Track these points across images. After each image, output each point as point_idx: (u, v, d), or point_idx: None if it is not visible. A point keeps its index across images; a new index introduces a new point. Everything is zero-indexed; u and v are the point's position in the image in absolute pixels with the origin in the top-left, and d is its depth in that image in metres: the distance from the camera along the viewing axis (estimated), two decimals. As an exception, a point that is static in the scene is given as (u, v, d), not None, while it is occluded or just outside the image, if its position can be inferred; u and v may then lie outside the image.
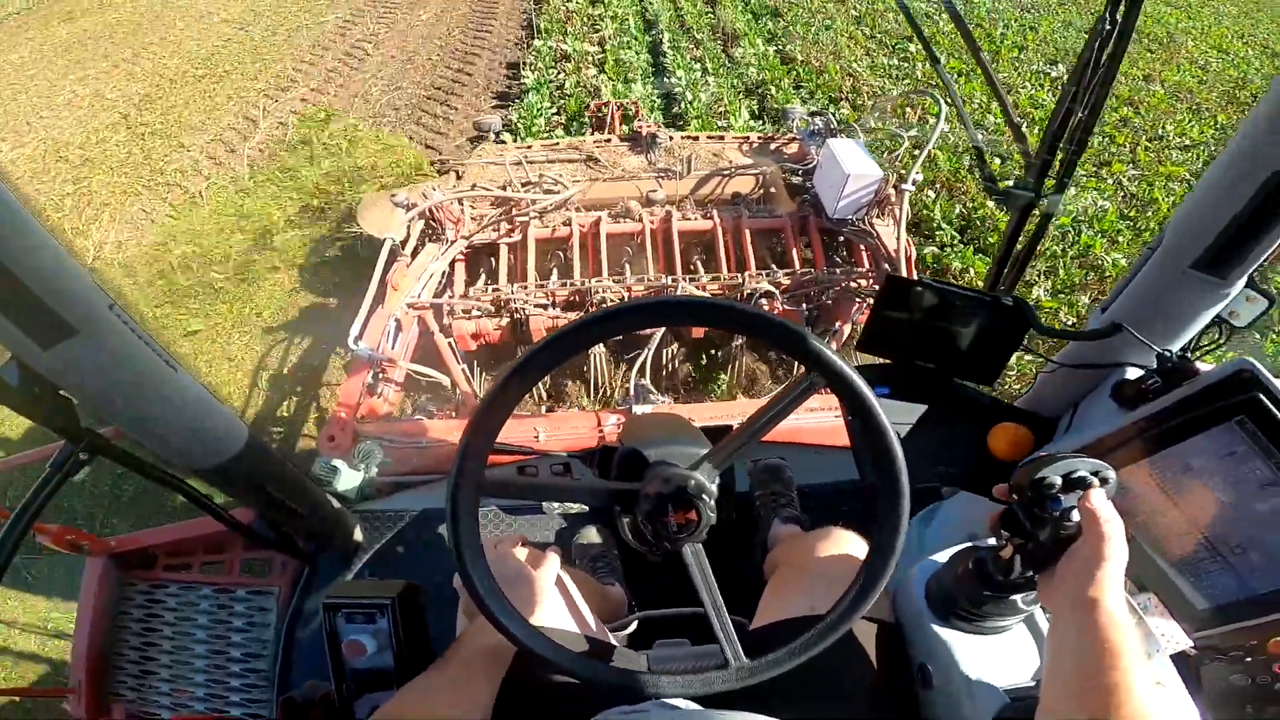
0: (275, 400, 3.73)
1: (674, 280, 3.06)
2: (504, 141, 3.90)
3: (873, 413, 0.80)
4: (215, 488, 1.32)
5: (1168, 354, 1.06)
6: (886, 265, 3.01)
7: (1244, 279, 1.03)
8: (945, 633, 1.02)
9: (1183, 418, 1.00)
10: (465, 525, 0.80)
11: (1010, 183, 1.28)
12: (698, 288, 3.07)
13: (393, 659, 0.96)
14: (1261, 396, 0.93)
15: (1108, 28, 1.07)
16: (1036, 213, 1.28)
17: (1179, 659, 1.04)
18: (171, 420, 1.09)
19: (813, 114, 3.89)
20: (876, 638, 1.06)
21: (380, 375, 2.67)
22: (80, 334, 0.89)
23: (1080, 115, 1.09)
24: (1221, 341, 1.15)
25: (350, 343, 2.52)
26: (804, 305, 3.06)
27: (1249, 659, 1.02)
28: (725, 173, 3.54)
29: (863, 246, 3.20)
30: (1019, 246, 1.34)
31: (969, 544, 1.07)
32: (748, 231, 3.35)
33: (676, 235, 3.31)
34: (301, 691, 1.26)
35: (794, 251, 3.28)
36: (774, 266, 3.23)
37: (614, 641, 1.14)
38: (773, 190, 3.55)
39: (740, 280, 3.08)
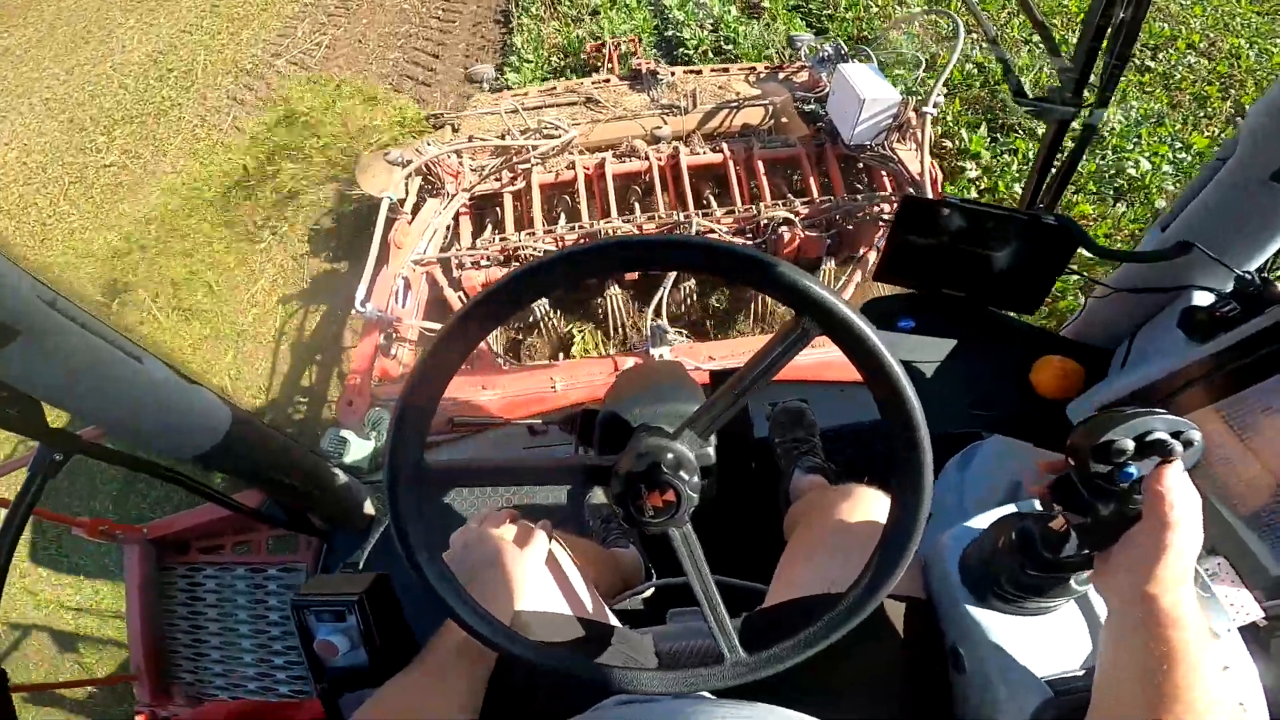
0: (296, 370, 3.69)
1: (686, 216, 2.89)
2: (499, 90, 3.70)
3: (873, 350, 0.62)
4: (211, 472, 1.25)
5: (1247, 275, 0.90)
6: (911, 190, 2.81)
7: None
8: (980, 613, 0.88)
9: (1267, 349, 0.85)
10: (406, 513, 0.68)
11: (1045, 95, 1.10)
12: (712, 222, 2.90)
13: (367, 656, 0.88)
14: (1365, 318, 0.78)
15: None
16: (1075, 126, 1.10)
17: (1247, 630, 0.89)
18: (143, 411, 1.01)
19: (821, 40, 3.62)
20: (905, 616, 0.92)
21: (393, 335, 2.58)
22: (22, 335, 0.81)
23: (1122, 15, 0.91)
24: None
25: (357, 305, 2.43)
26: (824, 232, 2.89)
27: None
28: (733, 104, 3.33)
29: (884, 172, 3.00)
30: (1058, 162, 1.17)
31: (1010, 510, 0.92)
32: (760, 162, 3.15)
33: (686, 171, 3.13)
34: None
35: (811, 180, 3.08)
36: (790, 196, 3.05)
37: (614, 621, 1.04)
38: (784, 120, 3.33)
39: (755, 211, 2.90)
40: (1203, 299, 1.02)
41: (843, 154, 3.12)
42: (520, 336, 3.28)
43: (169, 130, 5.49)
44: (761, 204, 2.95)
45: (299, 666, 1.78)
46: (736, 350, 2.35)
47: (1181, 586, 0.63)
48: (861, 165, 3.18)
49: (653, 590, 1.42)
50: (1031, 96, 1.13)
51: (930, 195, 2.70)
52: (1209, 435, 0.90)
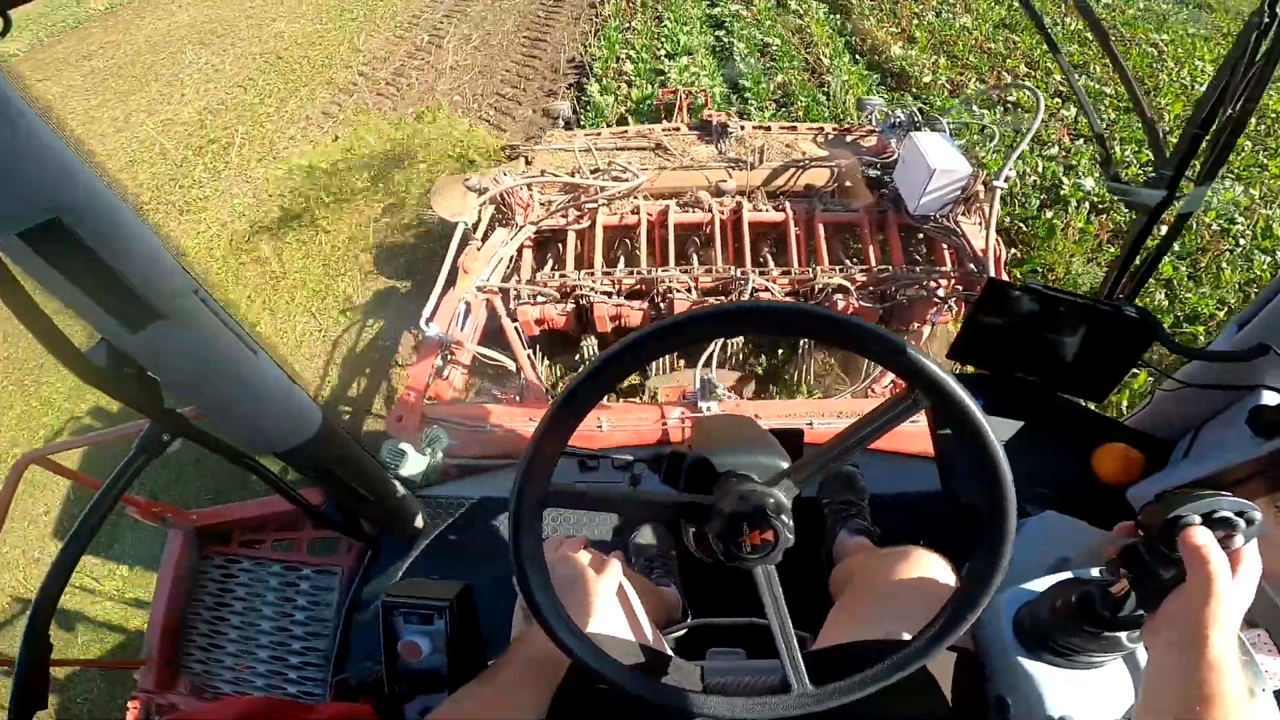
0: (347, 379, 3.83)
1: (742, 273, 2.97)
2: (572, 128, 3.87)
3: (984, 437, 0.72)
4: (288, 468, 1.33)
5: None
6: (973, 266, 2.84)
7: None
8: (1032, 665, 0.95)
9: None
10: (526, 534, 0.75)
11: (1139, 181, 1.15)
12: (768, 281, 2.97)
13: (446, 661, 0.93)
14: None
15: (1266, 19, 0.95)
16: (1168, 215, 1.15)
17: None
18: (251, 402, 1.09)
19: (893, 105, 3.72)
20: (954, 667, 0.98)
21: (449, 357, 2.68)
22: (167, 318, 0.89)
23: (1230, 112, 0.96)
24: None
25: (422, 323, 2.54)
26: (879, 304, 2.93)
27: None
28: (799, 164, 3.42)
29: (946, 245, 3.04)
30: (1145, 251, 1.21)
31: (1069, 575, 0.99)
32: (821, 225, 3.23)
33: (747, 226, 3.22)
34: (356, 674, 1.26)
35: (870, 248, 3.14)
36: (848, 262, 3.11)
37: (670, 651, 1.09)
38: (849, 184, 3.41)
39: (812, 275, 2.96)
40: (1273, 398, 1.05)
41: (905, 223, 3.18)
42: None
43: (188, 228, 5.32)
44: (819, 267, 3.02)
45: (314, 669, 1.81)
46: (782, 412, 2.38)
47: (1224, 635, 0.69)
48: (922, 236, 3.23)
49: (687, 630, 1.46)
50: (1128, 185, 1.19)
51: (993, 273, 2.73)
52: (1269, 524, 0.93)
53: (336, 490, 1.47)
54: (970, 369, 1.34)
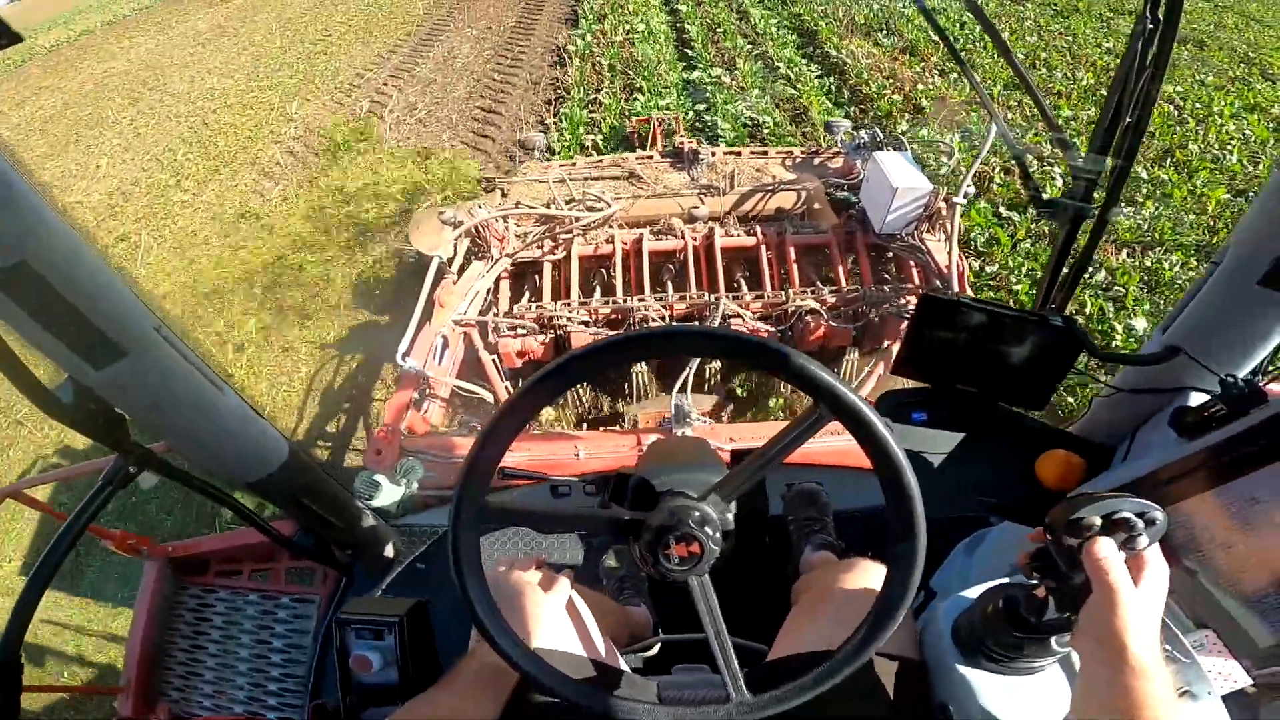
0: (325, 414, 3.85)
1: (716, 298, 3.04)
2: (548, 158, 3.96)
3: (877, 437, 0.74)
4: (259, 500, 1.36)
5: (1232, 380, 0.99)
6: (938, 282, 2.92)
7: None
8: (969, 672, 0.96)
9: (1252, 447, 0.93)
10: (465, 544, 0.79)
11: (1059, 194, 1.22)
12: (741, 306, 3.04)
13: (397, 675, 0.97)
14: (1340, 425, 0.87)
15: (1150, 26, 1.01)
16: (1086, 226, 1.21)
17: (1236, 696, 0.97)
18: (217, 435, 1.13)
19: (857, 127, 3.83)
20: (899, 675, 1.00)
21: (426, 391, 2.72)
22: (130, 355, 0.93)
23: (1128, 120, 1.03)
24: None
25: (398, 358, 2.58)
26: (851, 323, 3.00)
27: None
28: (768, 189, 3.52)
29: (912, 263, 3.12)
30: (1070, 262, 1.28)
31: (1000, 581, 1.01)
32: (792, 248, 3.31)
33: (719, 252, 3.29)
34: (333, 699, 1.29)
35: (840, 268, 3.22)
36: (819, 284, 3.18)
37: (624, 666, 1.12)
38: (817, 206, 3.50)
39: (784, 298, 3.03)
40: (1197, 399, 1.11)
41: (872, 242, 3.26)
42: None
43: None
44: (791, 290, 3.09)
45: (292, 695, 1.83)
46: (756, 434, 2.43)
47: (1141, 640, 0.71)
48: (890, 255, 3.31)
49: (659, 646, 1.48)
50: (1045, 199, 1.26)
51: (957, 288, 2.81)
52: (1202, 523, 0.98)
53: (308, 520, 1.50)
54: (913, 384, 1.40)
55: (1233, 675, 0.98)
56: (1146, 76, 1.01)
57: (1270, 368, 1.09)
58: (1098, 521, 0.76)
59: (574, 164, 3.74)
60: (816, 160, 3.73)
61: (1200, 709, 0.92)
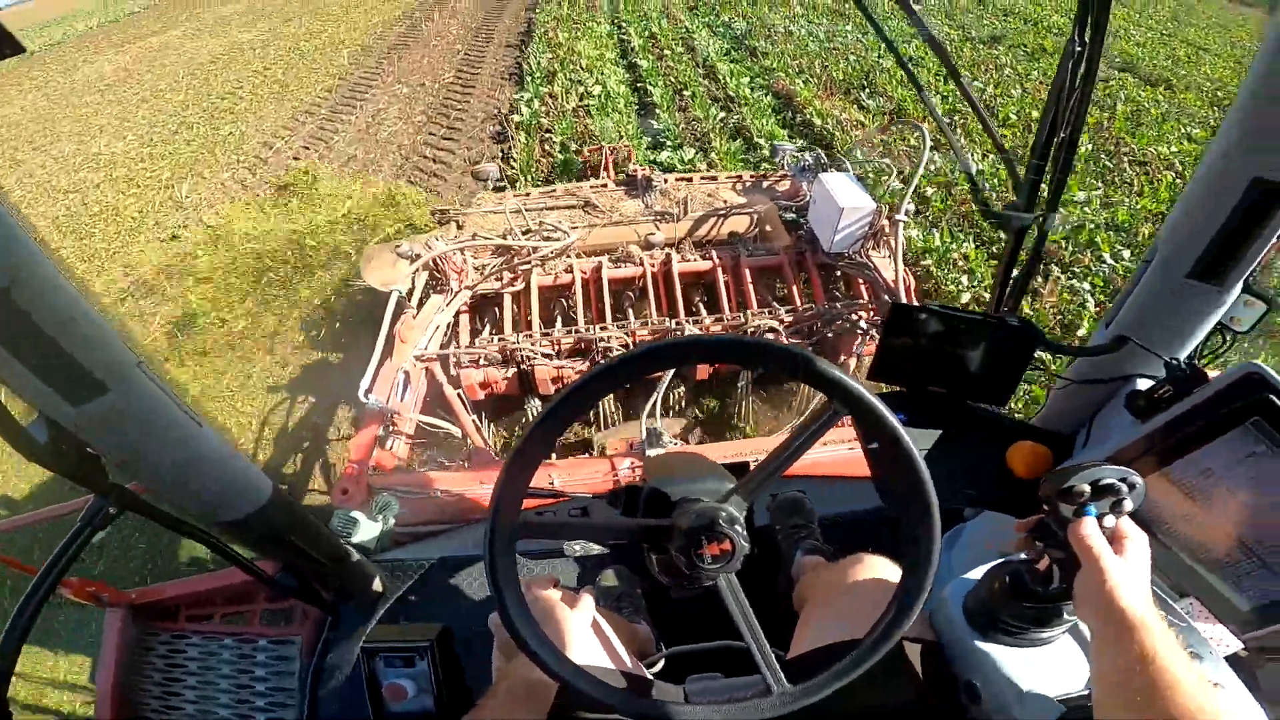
0: (286, 450, 3.74)
1: (677, 323, 3.12)
2: (503, 189, 4.00)
3: (891, 429, 0.81)
4: (239, 540, 1.34)
5: (1175, 362, 1.09)
6: (887, 296, 3.06)
7: (1240, 284, 1.07)
8: (989, 647, 1.04)
9: (1198, 424, 1.03)
10: (503, 564, 0.82)
11: (1007, 206, 1.33)
12: (700, 329, 3.13)
13: (433, 701, 0.96)
14: (1272, 397, 0.96)
15: (1078, 49, 1.12)
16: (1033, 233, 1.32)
17: (1232, 662, 1.04)
18: (198, 475, 1.12)
19: (802, 149, 4.00)
20: (921, 657, 1.08)
21: (391, 427, 2.69)
22: (111, 391, 0.91)
23: (1062, 135, 1.14)
24: (1226, 347, 1.18)
25: (361, 395, 2.55)
26: (807, 340, 3.10)
27: None
28: (721, 213, 3.63)
29: (861, 279, 3.26)
30: (1018, 268, 1.39)
31: (1001, 560, 1.09)
32: (747, 270, 3.42)
33: (677, 277, 3.38)
34: None
35: (794, 288, 3.34)
36: (775, 304, 3.29)
37: (650, 677, 1.15)
38: (768, 228, 3.64)
39: (743, 319, 3.13)
40: (1145, 384, 1.21)
41: (822, 261, 3.40)
42: (513, 435, 3.40)
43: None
44: (749, 310, 3.20)
45: None
46: (728, 451, 2.48)
47: (1135, 599, 0.78)
48: (840, 273, 3.45)
49: (663, 661, 1.51)
50: (993, 211, 1.36)
51: (906, 301, 2.95)
52: (1164, 498, 1.06)
53: (293, 558, 1.47)
54: (887, 388, 1.47)
55: (1224, 640, 1.07)
56: (1077, 95, 1.12)
57: (1206, 351, 1.20)
58: (1087, 488, 0.85)
59: (529, 194, 3.79)
60: (765, 183, 3.88)
61: (1208, 669, 0.99)
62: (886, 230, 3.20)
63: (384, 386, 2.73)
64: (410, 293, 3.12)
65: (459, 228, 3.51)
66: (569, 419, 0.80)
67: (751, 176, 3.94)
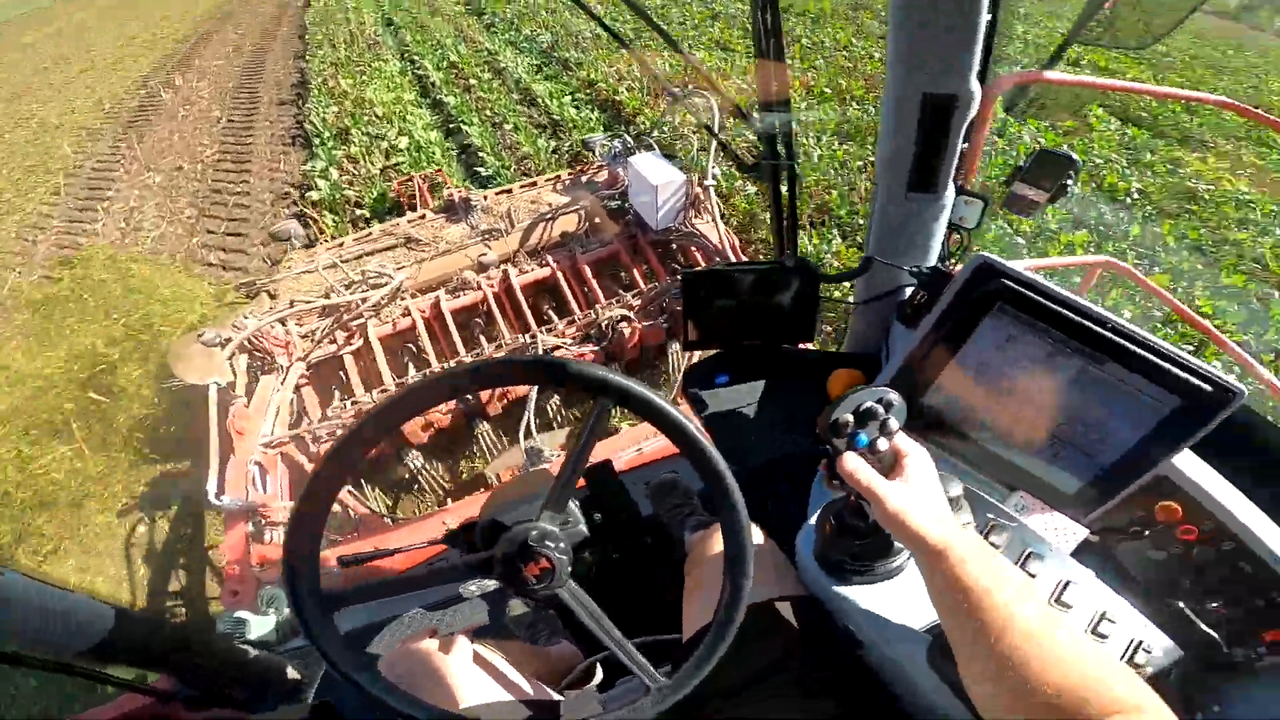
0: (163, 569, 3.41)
1: (531, 336, 3.10)
2: (314, 244, 3.80)
3: (648, 404, 0.82)
4: (118, 666, 1.25)
5: (918, 269, 1.18)
6: (718, 259, 3.16)
7: (952, 188, 1.17)
8: (845, 590, 1.05)
9: (954, 320, 1.11)
10: (327, 637, 0.81)
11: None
12: (556, 336, 3.13)
13: None
14: (1005, 280, 1.05)
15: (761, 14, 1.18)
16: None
17: (1086, 547, 1.12)
18: (17, 620, 1.04)
19: (611, 137, 4.05)
20: (798, 612, 1.08)
21: (262, 522, 2.53)
22: None
23: (774, 85, 1.20)
24: (964, 246, 1.29)
25: (211, 499, 2.37)
26: (660, 317, 3.16)
27: (1148, 531, 1.11)
28: (547, 217, 3.62)
29: (693, 247, 3.36)
30: (784, 212, 1.46)
31: (826, 502, 1.11)
32: (585, 267, 3.44)
33: (520, 292, 3.34)
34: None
35: (635, 272, 3.39)
36: (622, 292, 3.32)
37: (557, 698, 1.15)
38: (597, 220, 3.66)
39: (595, 314, 3.16)
40: (909, 293, 1.30)
41: (654, 239, 3.47)
42: (400, 495, 3.27)
43: None
44: (598, 305, 3.22)
45: None
46: (612, 448, 2.50)
47: (925, 521, 0.79)
48: (676, 246, 3.54)
49: (600, 672, 1.51)
50: (746, 164, 1.43)
51: (733, 258, 3.06)
52: (963, 396, 1.13)
53: (179, 673, 1.40)
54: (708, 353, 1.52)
55: (1067, 529, 1.12)
56: (772, 48, 1.17)
57: (952, 252, 1.31)
58: (850, 418, 0.86)
59: (342, 244, 3.59)
60: (584, 178, 3.89)
61: (1049, 566, 1.03)
62: (702, 198, 3.29)
63: (239, 483, 2.56)
64: (233, 382, 2.89)
65: (272, 298, 3.30)
66: (329, 491, 0.78)
67: (569, 174, 3.95)
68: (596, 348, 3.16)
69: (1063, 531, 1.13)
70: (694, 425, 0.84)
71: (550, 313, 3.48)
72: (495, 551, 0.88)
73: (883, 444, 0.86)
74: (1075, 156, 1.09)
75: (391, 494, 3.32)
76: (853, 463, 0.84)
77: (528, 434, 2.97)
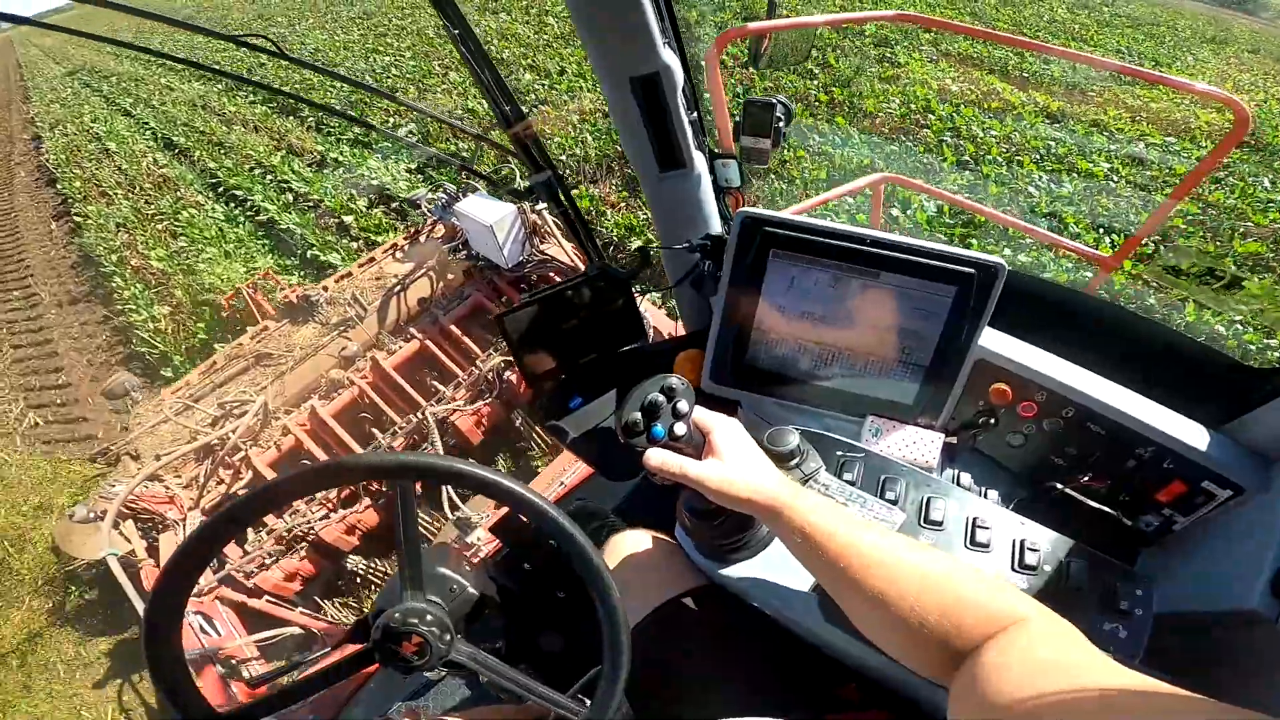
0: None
1: (422, 414, 3.06)
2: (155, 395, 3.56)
3: (461, 475, 0.86)
4: None
5: (694, 240, 1.23)
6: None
7: (699, 156, 1.22)
8: (731, 571, 1.09)
9: (743, 276, 1.16)
10: None
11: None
12: (447, 404, 3.13)
13: None
14: (769, 228, 1.11)
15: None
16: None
17: (948, 454, 1.18)
18: None
19: (434, 189, 4.00)
20: (713, 603, 1.12)
21: (231, 661, 2.44)
22: None
23: (501, 104, 1.19)
24: (744, 204, 1.35)
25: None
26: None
27: (995, 420, 1.18)
28: (397, 290, 3.53)
29: (552, 273, 3.36)
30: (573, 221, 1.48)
31: (678, 498, 1.12)
32: (453, 326, 3.41)
33: (395, 373, 3.26)
34: None
35: (502, 313, 3.36)
36: (498, 340, 3.29)
37: None
38: (450, 276, 3.61)
39: (479, 370, 3.15)
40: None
41: (511, 278, 3.47)
42: (363, 595, 3.14)
43: None
44: (479, 360, 3.20)
45: None
46: (539, 487, 2.47)
47: (750, 486, 0.82)
48: (536, 277, 3.52)
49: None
50: (518, 190, 1.44)
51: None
52: (793, 343, 1.18)
53: None
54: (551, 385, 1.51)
55: (927, 439, 1.18)
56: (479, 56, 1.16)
57: (725, 219, 1.35)
58: (638, 416, 0.87)
59: (188, 383, 3.38)
60: (422, 238, 3.80)
61: (907, 488, 1.09)
62: (539, 222, 3.30)
63: (187, 636, 2.40)
64: (131, 550, 2.72)
65: (135, 458, 3.09)
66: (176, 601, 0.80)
67: (405, 238, 3.85)
68: (489, 400, 3.14)
69: (922, 443, 1.18)
70: (494, 473, 0.87)
71: (434, 383, 3.41)
72: (369, 644, 0.88)
73: (680, 428, 0.87)
74: (777, 99, 1.16)
75: (355, 597, 3.18)
76: (657, 457, 0.86)
77: (453, 507, 2.91)
